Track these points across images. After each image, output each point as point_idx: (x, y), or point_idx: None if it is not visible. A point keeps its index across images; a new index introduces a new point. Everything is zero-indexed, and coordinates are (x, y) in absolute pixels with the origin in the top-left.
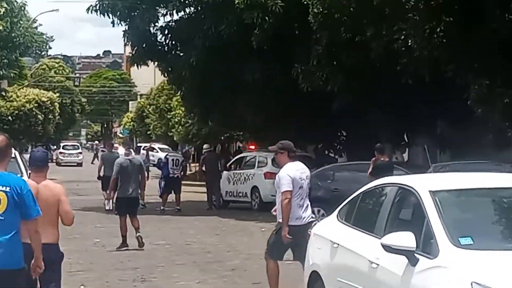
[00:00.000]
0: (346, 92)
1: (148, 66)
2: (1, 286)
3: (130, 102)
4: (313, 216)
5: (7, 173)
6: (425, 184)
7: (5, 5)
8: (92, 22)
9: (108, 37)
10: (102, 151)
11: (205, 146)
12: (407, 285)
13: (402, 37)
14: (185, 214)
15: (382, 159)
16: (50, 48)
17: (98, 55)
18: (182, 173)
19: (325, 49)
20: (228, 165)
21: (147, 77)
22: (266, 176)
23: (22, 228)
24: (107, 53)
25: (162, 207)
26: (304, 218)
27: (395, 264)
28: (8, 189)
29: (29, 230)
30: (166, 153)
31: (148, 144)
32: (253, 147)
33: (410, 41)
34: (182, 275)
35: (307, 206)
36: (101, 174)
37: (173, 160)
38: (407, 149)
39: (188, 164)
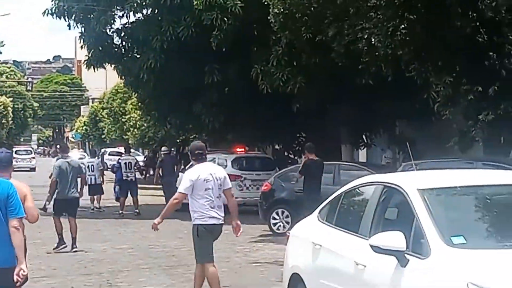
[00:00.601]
0: (306, 92)
1: (105, 68)
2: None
3: (82, 107)
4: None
5: None
6: (412, 182)
7: None
8: (41, 27)
9: (57, 42)
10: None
11: (163, 148)
12: (397, 287)
13: (366, 36)
14: (145, 217)
15: (311, 158)
16: (0, 53)
17: (48, 60)
18: (140, 175)
19: (285, 49)
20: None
21: (99, 81)
22: None
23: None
24: (57, 58)
25: (120, 211)
26: (219, 218)
27: (383, 265)
28: None
29: (12, 228)
30: (119, 157)
31: (104, 149)
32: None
33: (373, 39)
34: (148, 279)
35: (219, 206)
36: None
37: (125, 163)
38: (365, 149)
39: (149, 168)
